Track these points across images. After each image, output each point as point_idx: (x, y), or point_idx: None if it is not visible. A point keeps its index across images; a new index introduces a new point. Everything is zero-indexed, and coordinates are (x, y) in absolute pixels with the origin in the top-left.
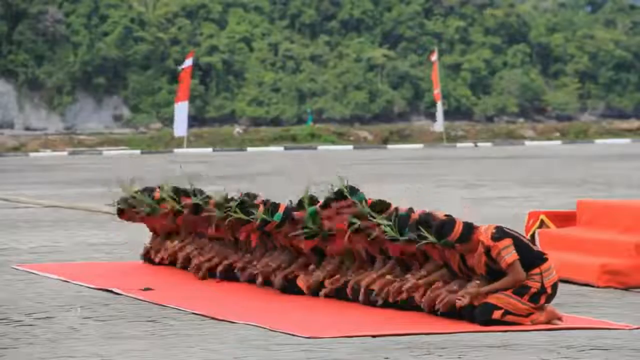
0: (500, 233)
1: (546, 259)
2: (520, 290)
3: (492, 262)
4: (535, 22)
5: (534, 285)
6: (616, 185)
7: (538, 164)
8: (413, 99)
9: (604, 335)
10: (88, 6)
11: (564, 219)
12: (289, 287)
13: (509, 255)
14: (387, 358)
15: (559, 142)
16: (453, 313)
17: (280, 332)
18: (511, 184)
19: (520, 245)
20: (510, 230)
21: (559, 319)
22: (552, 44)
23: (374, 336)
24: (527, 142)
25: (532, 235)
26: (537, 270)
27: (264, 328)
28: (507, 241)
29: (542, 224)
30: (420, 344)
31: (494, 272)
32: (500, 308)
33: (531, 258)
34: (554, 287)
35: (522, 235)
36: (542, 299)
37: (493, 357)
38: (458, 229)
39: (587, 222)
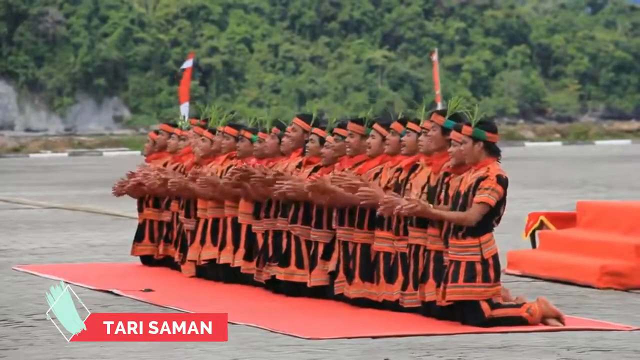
0: (504, 183)
1: (490, 231)
2: (469, 275)
3: (473, 189)
4: (535, 23)
5: (475, 259)
6: (616, 186)
7: (538, 165)
8: (413, 100)
9: (604, 337)
10: (88, 7)
11: (564, 220)
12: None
13: (490, 197)
14: (387, 359)
15: (559, 143)
16: (448, 314)
17: (281, 333)
18: (511, 185)
19: (497, 207)
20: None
21: (558, 316)
22: (552, 45)
23: (374, 337)
24: (527, 144)
25: (532, 236)
26: (475, 242)
27: (265, 329)
28: (501, 190)
29: (542, 225)
30: (420, 345)
31: (456, 201)
32: (477, 302)
33: (485, 222)
34: (495, 258)
35: (504, 200)
36: (491, 273)
37: (493, 358)
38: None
39: (587, 224)
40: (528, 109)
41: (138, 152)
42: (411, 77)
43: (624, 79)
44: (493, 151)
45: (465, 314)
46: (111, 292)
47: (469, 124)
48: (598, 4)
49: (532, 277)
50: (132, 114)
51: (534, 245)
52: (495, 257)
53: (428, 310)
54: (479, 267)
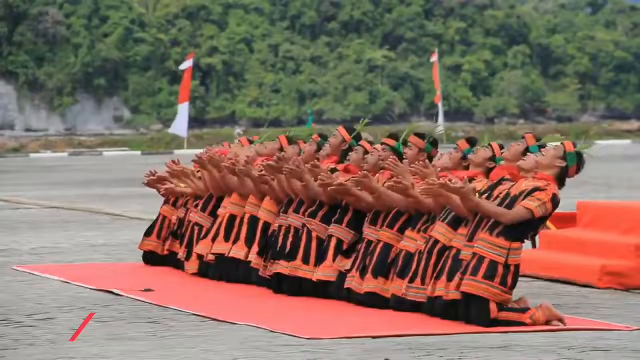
0: (556, 205)
1: (522, 241)
2: (489, 273)
3: (526, 195)
4: (535, 23)
5: (500, 260)
6: (616, 186)
7: None
8: (413, 100)
9: (605, 337)
10: (88, 7)
11: (565, 220)
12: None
13: (538, 208)
14: (387, 359)
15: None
16: (450, 313)
17: (281, 333)
18: None
19: (539, 222)
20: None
21: (560, 320)
22: (552, 46)
23: (374, 337)
24: None
25: (533, 236)
26: (506, 244)
27: (265, 329)
28: (550, 209)
29: None
30: (421, 345)
31: (503, 201)
32: (487, 300)
33: (521, 230)
34: (517, 268)
35: (547, 219)
36: (509, 280)
37: (493, 358)
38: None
39: (587, 224)
40: (528, 109)
41: (138, 153)
42: (411, 77)
43: (624, 79)
44: (561, 179)
45: (471, 311)
46: (111, 292)
47: (574, 144)
48: (598, 4)
49: (532, 277)
50: (132, 114)
51: (534, 246)
52: (517, 267)
53: (432, 307)
54: (500, 269)
